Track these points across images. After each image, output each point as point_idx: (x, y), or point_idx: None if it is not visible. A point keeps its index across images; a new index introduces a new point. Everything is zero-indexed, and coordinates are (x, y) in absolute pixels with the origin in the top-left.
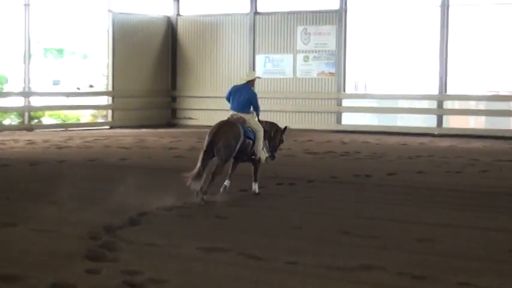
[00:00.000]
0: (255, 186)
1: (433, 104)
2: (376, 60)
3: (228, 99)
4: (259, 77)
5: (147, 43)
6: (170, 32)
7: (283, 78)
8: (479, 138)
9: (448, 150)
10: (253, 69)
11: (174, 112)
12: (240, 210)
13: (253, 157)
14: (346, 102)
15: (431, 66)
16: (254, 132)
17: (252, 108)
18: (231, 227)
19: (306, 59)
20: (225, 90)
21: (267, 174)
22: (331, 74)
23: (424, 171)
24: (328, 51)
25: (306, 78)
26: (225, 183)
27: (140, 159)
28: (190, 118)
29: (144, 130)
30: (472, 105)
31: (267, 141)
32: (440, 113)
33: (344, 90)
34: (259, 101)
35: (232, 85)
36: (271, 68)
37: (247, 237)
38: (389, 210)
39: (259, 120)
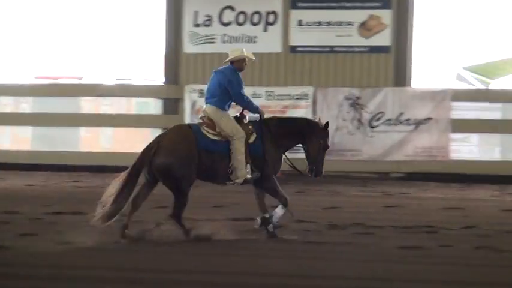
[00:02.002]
0: (273, 217)
1: None
2: None
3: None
4: (249, 57)
5: None
6: None
7: None
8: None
9: None
10: None
11: None
12: None
13: (230, 175)
14: None
15: None
16: (225, 141)
17: (233, 103)
18: None
19: None
20: None
21: None
22: None
23: None
24: None
25: None
26: (258, 218)
27: None
28: None
29: None
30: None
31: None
32: None
33: None
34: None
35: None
36: None
37: None
38: None
39: (261, 120)
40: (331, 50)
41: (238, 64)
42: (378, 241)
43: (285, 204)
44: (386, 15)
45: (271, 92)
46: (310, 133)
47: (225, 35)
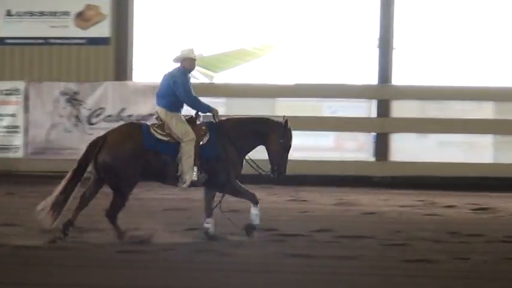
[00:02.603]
0: (207, 224)
1: None
2: None
3: None
4: (196, 56)
5: None
6: None
7: None
8: None
9: None
10: None
11: None
12: None
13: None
14: None
15: None
16: (174, 143)
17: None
18: None
19: None
20: None
21: None
22: None
23: None
24: None
25: None
26: (205, 224)
27: None
28: None
29: None
30: None
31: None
32: None
33: None
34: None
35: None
36: None
37: None
38: None
39: (217, 121)
40: (46, 41)
41: (186, 63)
42: (96, 245)
43: (254, 202)
44: (105, 5)
45: None
46: (270, 133)
47: None
